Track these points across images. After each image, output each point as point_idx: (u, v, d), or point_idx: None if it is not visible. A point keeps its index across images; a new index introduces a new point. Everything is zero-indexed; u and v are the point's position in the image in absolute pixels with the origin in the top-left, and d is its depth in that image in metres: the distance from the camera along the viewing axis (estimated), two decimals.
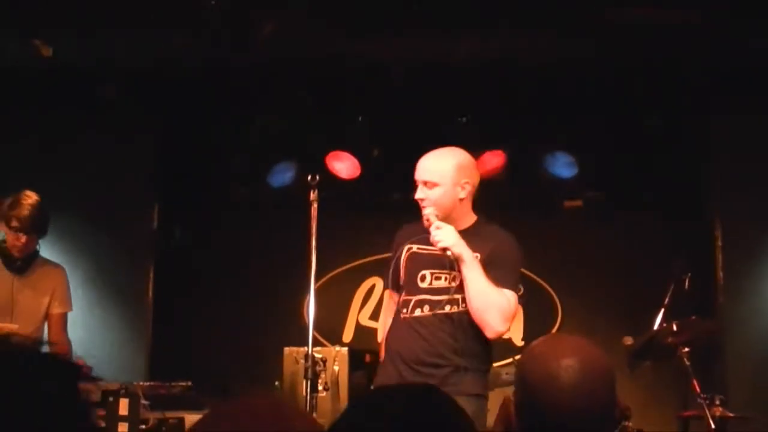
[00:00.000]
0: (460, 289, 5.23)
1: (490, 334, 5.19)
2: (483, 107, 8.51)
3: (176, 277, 9.17)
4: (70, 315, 6.91)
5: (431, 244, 5.27)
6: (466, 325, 5.23)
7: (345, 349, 7.42)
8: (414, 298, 5.35)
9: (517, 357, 5.78)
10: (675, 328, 6.41)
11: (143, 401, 5.92)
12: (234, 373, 8.56)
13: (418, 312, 5.32)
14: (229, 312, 9.23)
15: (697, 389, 6.33)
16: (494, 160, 8.77)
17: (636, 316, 7.59)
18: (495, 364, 6.19)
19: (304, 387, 5.04)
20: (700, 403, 6.28)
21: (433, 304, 5.29)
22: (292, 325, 8.36)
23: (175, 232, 9.32)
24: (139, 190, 9.08)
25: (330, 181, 8.85)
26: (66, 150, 8.64)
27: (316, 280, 9.18)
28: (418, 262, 5.36)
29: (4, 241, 6.66)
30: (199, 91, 8.63)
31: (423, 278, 5.35)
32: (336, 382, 7.17)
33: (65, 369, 2.12)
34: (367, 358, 7.68)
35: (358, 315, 9.44)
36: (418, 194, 5.36)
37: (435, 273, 5.33)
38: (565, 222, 9.16)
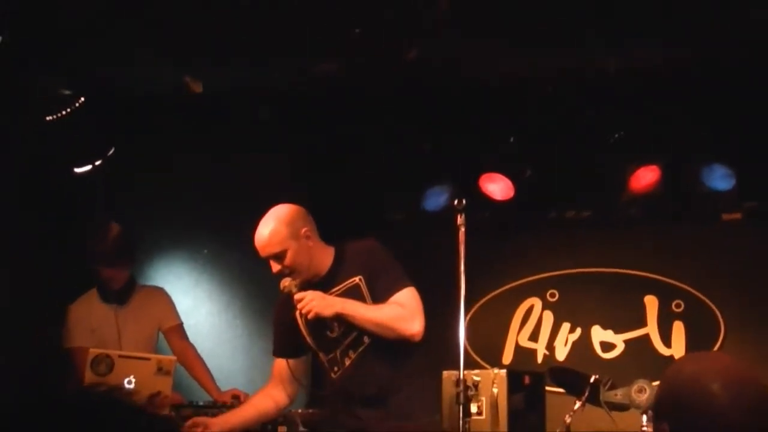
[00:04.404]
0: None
1: (410, 339, 5.25)
2: (635, 121, 8.37)
3: None
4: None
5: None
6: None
7: (503, 372, 7.35)
8: (337, 351, 5.36)
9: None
10: None
11: (301, 428, 5.98)
12: None
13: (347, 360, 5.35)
14: None
15: None
16: (648, 175, 8.64)
17: None
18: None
19: (458, 412, 5.06)
20: None
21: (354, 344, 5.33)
22: (456, 348, 8.33)
23: None
24: None
25: (484, 203, 8.85)
26: (216, 178, 8.76)
27: (475, 302, 9.31)
28: (318, 320, 5.26)
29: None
30: (351, 114, 8.70)
31: (332, 330, 5.34)
32: (495, 405, 7.11)
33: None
34: (527, 379, 7.61)
35: (517, 336, 9.38)
36: (274, 269, 5.35)
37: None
38: (725, 235, 8.93)
